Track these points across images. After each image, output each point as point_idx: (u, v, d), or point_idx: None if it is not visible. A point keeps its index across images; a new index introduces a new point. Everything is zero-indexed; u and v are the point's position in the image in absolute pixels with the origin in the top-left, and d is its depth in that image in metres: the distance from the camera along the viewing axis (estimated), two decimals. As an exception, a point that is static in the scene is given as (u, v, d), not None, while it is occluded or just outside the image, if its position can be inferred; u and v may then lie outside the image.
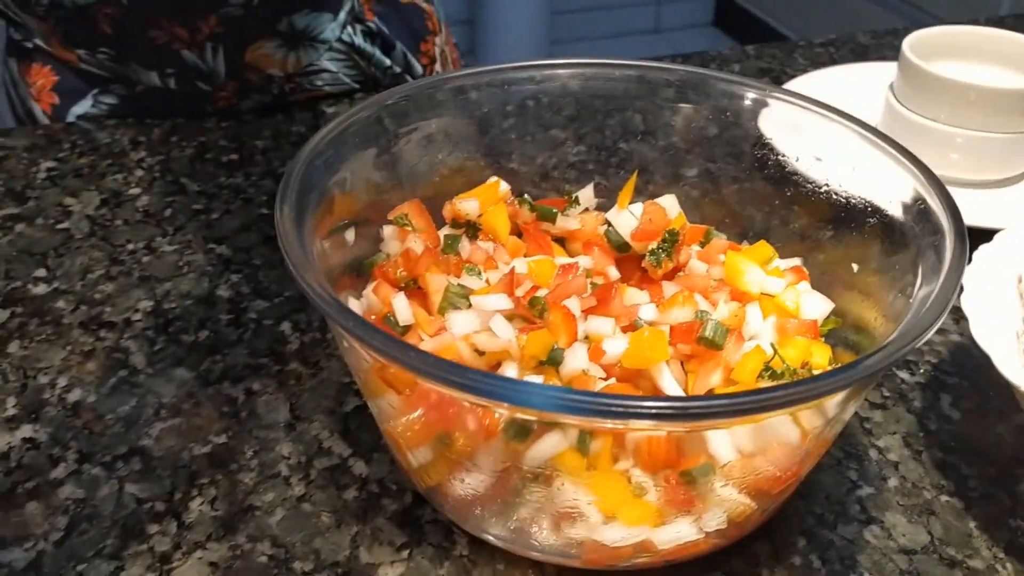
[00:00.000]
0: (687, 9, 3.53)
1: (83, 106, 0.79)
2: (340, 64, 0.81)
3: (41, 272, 0.60)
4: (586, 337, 0.44)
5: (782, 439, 0.37)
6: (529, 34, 3.12)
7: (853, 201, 0.46)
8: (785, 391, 0.32)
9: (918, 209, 0.41)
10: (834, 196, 0.48)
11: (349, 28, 0.81)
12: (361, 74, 0.84)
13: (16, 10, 0.73)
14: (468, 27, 2.99)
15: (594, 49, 3.36)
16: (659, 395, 0.41)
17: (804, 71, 0.88)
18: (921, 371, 0.53)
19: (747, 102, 0.50)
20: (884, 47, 0.95)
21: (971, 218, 0.62)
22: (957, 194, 0.69)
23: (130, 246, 0.63)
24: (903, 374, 0.53)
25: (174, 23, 0.72)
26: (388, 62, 0.85)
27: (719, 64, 0.90)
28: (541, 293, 0.45)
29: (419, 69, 0.89)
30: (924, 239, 0.40)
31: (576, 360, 0.42)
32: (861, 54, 0.92)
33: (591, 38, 3.41)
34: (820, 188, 0.49)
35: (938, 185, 0.42)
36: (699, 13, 3.56)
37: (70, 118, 0.79)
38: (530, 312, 0.43)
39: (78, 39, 0.74)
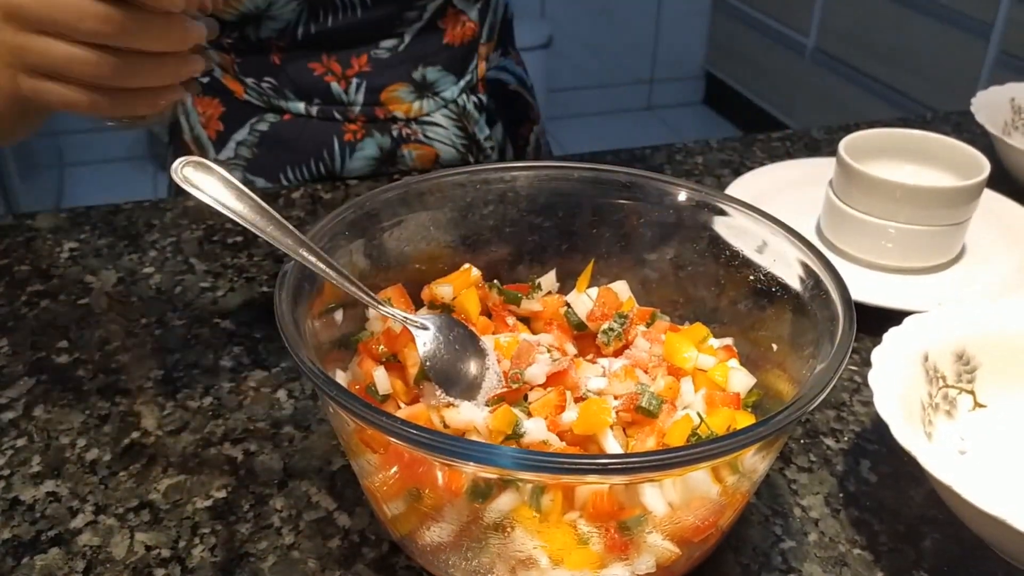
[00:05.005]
0: (678, 88, 3.67)
1: (241, 134, 0.92)
2: (451, 123, 0.94)
3: (64, 343, 0.67)
4: (543, 406, 0.50)
5: (702, 492, 0.44)
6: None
7: (774, 288, 0.54)
8: (686, 451, 0.39)
9: (820, 298, 0.49)
10: (759, 284, 0.55)
11: (464, 95, 0.95)
12: (467, 137, 0.96)
13: (212, 49, 0.88)
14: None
15: (588, 126, 3.47)
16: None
17: (761, 163, 0.97)
18: (845, 439, 0.60)
19: (683, 200, 0.58)
20: (834, 141, 1.03)
21: (897, 301, 0.69)
22: (890, 279, 0.77)
23: (143, 320, 0.70)
24: (829, 441, 0.59)
25: (332, 58, 0.88)
26: (488, 132, 0.98)
27: (684, 156, 0.99)
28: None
29: (511, 152, 1.02)
30: (822, 323, 0.47)
31: (537, 432, 0.48)
32: (814, 148, 1.01)
33: (585, 115, 3.52)
34: (748, 275, 0.56)
35: (837, 279, 0.49)
36: (690, 92, 3.69)
37: (231, 144, 0.92)
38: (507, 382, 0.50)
39: (249, 69, 0.89)
